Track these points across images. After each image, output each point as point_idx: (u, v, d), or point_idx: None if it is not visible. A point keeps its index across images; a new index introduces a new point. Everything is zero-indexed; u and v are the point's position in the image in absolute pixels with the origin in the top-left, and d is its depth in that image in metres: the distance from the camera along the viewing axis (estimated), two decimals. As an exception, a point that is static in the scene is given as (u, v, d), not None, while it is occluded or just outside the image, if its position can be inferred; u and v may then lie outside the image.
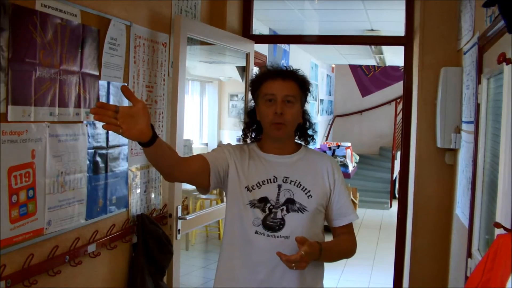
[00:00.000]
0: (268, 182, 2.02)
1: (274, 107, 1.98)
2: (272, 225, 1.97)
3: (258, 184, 2.02)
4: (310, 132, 2.15)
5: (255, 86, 2.09)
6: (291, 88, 2.02)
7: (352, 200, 6.17)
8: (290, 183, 2.01)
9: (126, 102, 2.51)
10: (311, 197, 2.01)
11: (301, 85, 2.06)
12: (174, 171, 1.91)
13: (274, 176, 2.02)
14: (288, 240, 1.95)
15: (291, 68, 2.08)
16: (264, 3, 5.19)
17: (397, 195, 4.99)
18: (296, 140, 2.14)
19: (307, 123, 2.14)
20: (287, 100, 1.99)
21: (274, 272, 1.95)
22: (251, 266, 1.99)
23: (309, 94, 2.14)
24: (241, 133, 2.20)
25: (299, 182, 2.02)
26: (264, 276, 1.98)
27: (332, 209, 2.07)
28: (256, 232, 1.98)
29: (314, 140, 2.18)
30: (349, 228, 2.11)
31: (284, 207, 1.99)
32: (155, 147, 1.69)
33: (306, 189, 2.01)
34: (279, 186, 2.01)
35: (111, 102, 2.63)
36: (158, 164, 1.86)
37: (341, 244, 2.09)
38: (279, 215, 1.98)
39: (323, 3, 5.58)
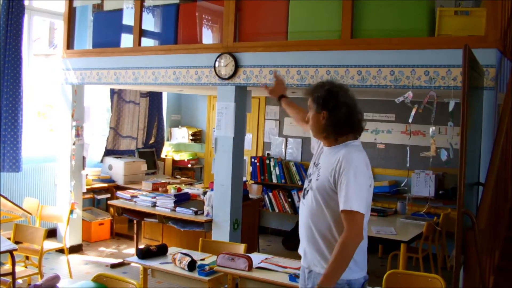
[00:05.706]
0: (314, 163, 2.44)
1: None
2: (304, 193, 2.40)
3: (314, 163, 2.44)
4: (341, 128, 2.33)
5: None
6: (309, 101, 2.41)
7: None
8: (317, 166, 2.39)
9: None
10: (318, 180, 2.31)
11: (312, 98, 2.38)
12: (302, 126, 2.78)
13: (317, 160, 2.43)
14: (303, 206, 2.37)
15: (310, 86, 2.46)
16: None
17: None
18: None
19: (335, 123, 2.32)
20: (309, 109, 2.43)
21: (300, 225, 2.41)
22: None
23: (320, 101, 2.32)
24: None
25: (320, 166, 2.36)
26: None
27: (338, 195, 2.22)
28: (300, 197, 2.47)
29: (356, 136, 2.35)
30: (346, 214, 2.17)
31: (310, 182, 2.37)
32: (283, 102, 2.98)
33: (319, 173, 2.33)
34: (315, 167, 2.40)
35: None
36: (290, 114, 2.99)
37: (336, 255, 2.13)
38: (308, 187, 2.38)
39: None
